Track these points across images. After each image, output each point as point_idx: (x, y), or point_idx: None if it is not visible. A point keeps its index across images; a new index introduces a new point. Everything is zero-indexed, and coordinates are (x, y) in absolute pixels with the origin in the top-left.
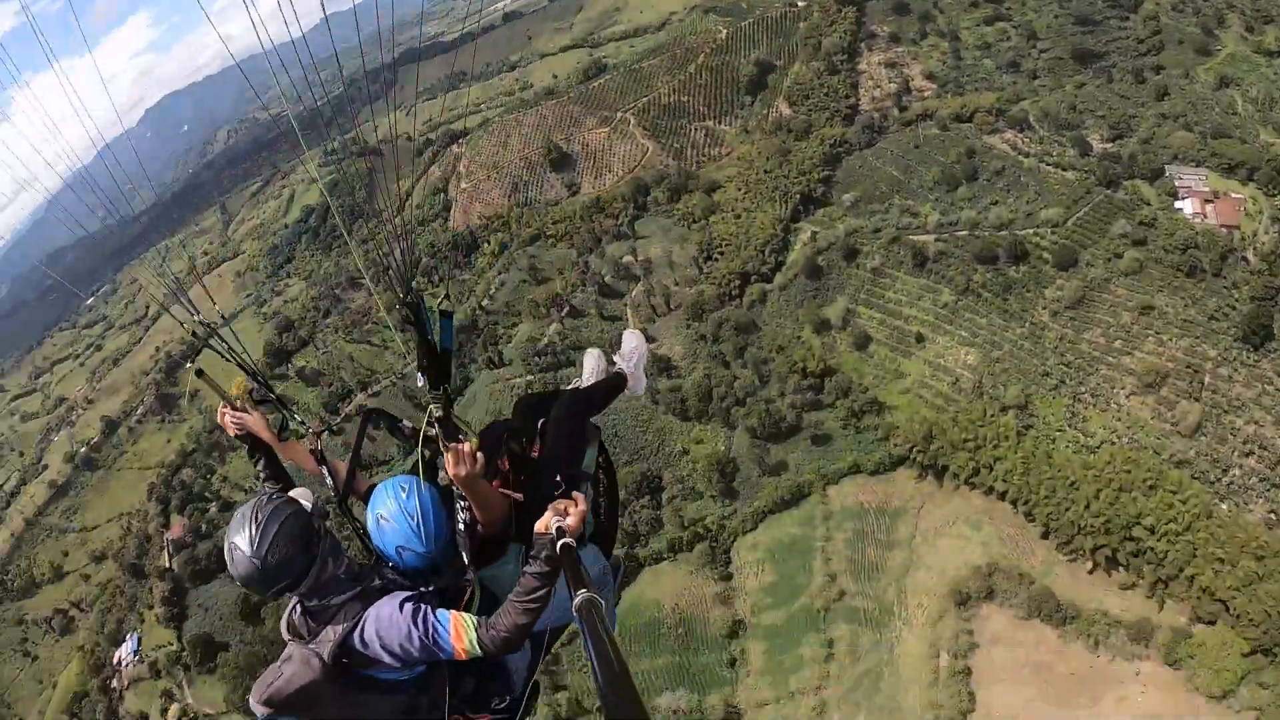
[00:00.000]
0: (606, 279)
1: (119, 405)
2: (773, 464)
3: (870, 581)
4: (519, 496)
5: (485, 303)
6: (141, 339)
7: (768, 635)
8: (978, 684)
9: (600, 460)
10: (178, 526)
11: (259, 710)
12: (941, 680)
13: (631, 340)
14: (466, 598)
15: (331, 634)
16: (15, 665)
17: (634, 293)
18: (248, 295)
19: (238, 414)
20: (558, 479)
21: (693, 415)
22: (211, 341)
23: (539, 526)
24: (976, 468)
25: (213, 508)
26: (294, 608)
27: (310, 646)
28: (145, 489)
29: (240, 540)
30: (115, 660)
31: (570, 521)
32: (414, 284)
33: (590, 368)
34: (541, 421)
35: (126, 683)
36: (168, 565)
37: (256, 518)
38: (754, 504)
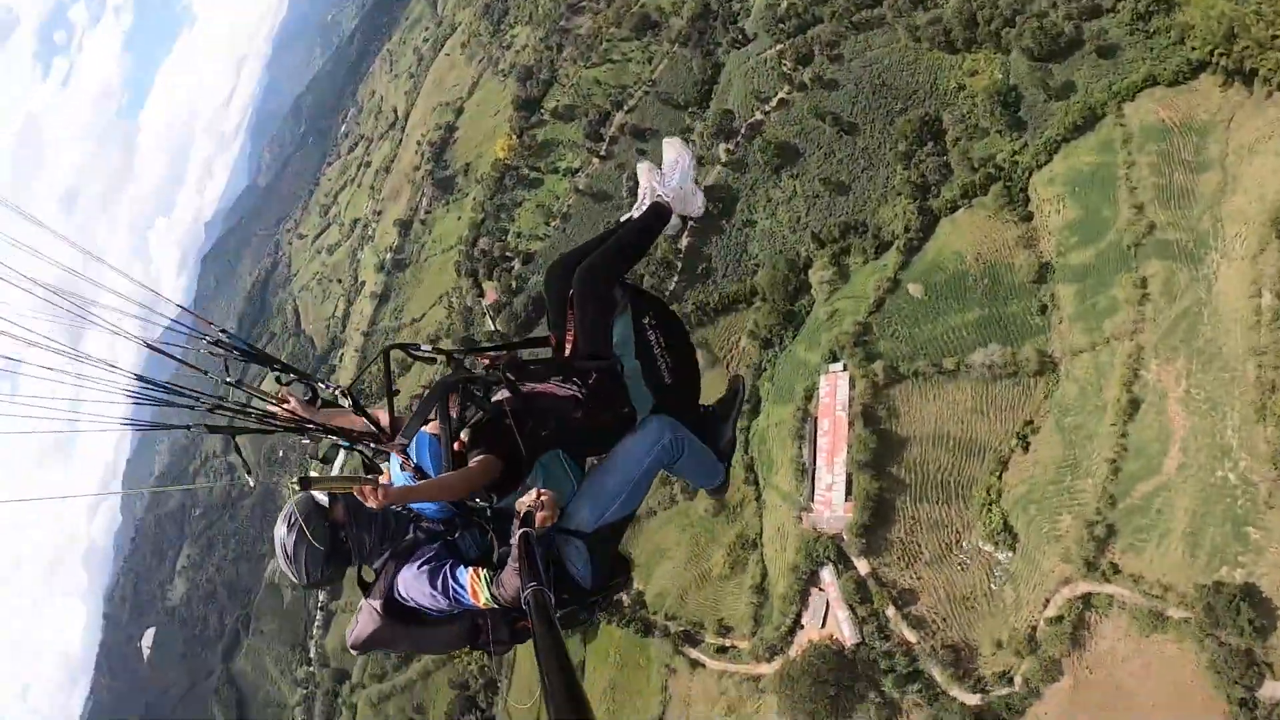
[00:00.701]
0: None
1: (405, 206)
2: (1058, 86)
3: (1181, 210)
4: (507, 395)
5: None
6: (401, 140)
7: (1077, 277)
8: None
9: (648, 321)
10: (491, 292)
11: (351, 651)
12: (1264, 323)
13: (671, 151)
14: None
15: (378, 590)
16: None
17: None
18: (479, 61)
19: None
20: (589, 367)
21: (960, 45)
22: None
23: (518, 505)
24: None
25: (516, 264)
26: (359, 569)
27: (369, 600)
28: (453, 268)
29: (281, 563)
30: None
31: (541, 514)
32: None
33: (646, 186)
34: (571, 294)
35: None
36: (494, 327)
37: (286, 551)
38: (1045, 134)
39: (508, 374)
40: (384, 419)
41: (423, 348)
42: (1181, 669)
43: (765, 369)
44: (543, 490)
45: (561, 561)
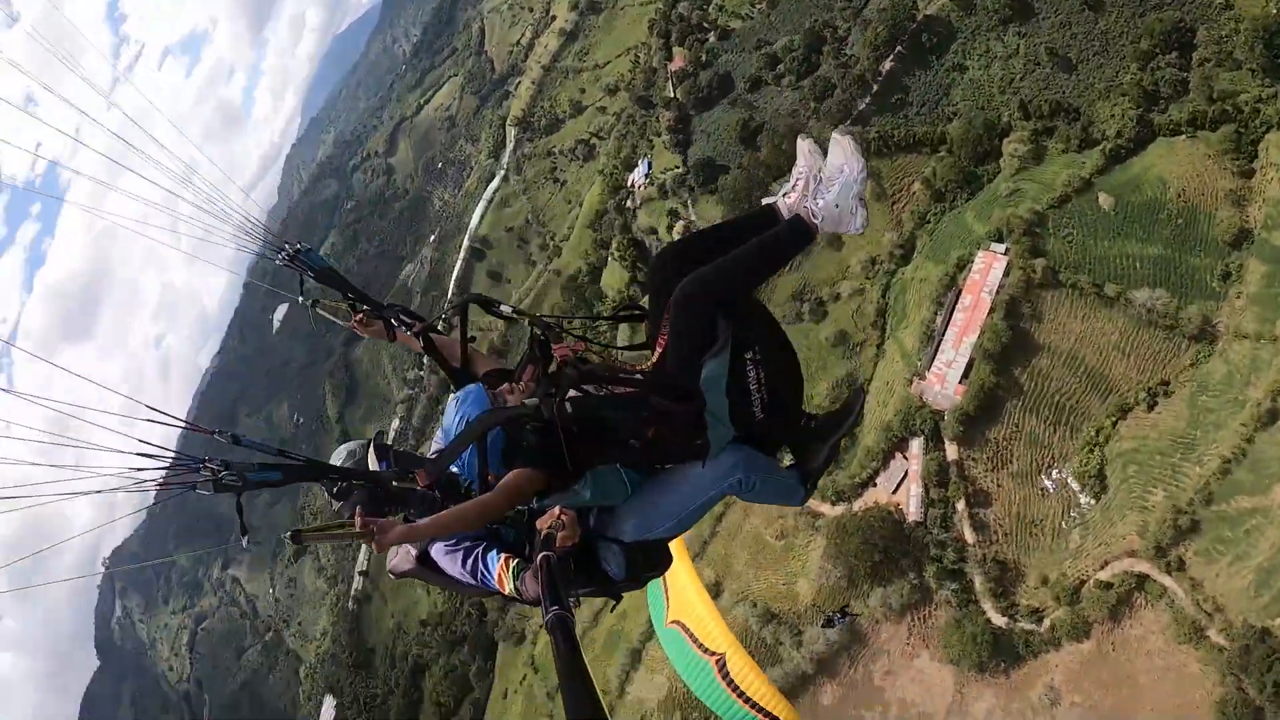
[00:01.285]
0: None
1: None
2: None
3: None
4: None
5: None
6: None
7: (1273, 258)
8: None
9: (751, 356)
10: (679, 58)
11: (391, 575)
12: None
13: (839, 154)
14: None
15: (415, 545)
16: (548, 190)
17: None
18: None
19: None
20: (666, 408)
21: None
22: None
23: (538, 525)
24: None
25: (711, 37)
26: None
27: (407, 545)
28: (646, 25)
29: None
30: (629, 183)
31: (561, 534)
32: None
33: (802, 172)
34: (671, 299)
35: (639, 202)
36: (673, 95)
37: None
38: None
39: (563, 395)
40: (455, 351)
41: (503, 308)
42: (1193, 691)
43: (929, 221)
44: (564, 510)
45: (595, 556)
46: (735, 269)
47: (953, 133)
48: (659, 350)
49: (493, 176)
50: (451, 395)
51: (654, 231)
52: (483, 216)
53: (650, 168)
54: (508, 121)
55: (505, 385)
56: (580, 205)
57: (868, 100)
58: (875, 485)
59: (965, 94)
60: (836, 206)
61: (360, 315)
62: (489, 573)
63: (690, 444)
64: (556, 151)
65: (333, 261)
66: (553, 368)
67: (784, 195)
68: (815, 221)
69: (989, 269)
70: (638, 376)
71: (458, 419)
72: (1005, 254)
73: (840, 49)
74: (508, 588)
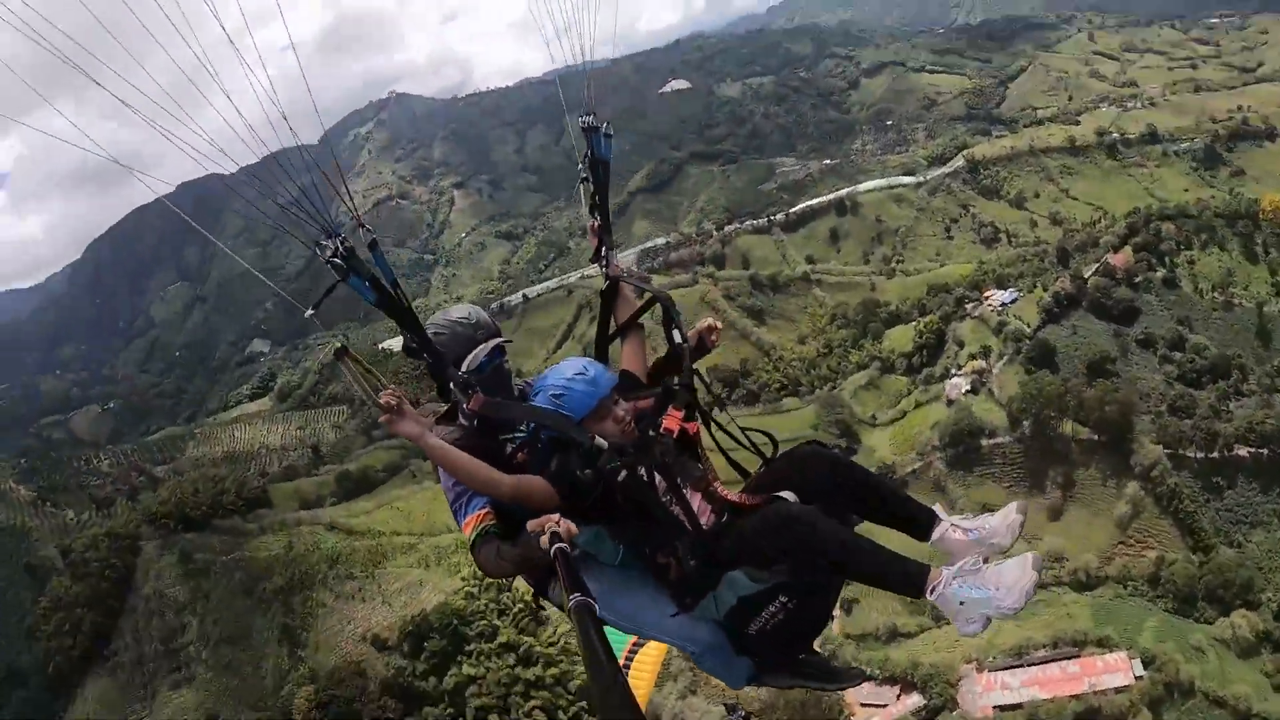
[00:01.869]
0: None
1: None
2: None
3: None
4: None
5: None
6: None
7: None
8: None
9: (783, 600)
10: (1123, 257)
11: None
12: None
13: (1014, 574)
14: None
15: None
16: (932, 229)
17: None
18: None
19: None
20: (688, 578)
21: None
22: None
23: (542, 524)
24: None
25: (1161, 269)
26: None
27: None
28: (1129, 198)
29: (443, 317)
30: (987, 294)
31: (562, 528)
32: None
33: (988, 528)
34: (776, 500)
35: (978, 312)
36: (1085, 276)
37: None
38: None
39: (629, 467)
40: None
41: (675, 333)
42: None
43: (1127, 587)
44: (562, 519)
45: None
46: (849, 554)
47: (1218, 558)
48: (738, 497)
49: (911, 174)
50: (584, 360)
51: (961, 344)
52: (872, 190)
53: (1012, 302)
54: (964, 150)
55: (623, 403)
56: (940, 265)
57: (1206, 395)
58: (860, 685)
59: (1261, 546)
60: (962, 604)
61: (593, 223)
62: (464, 512)
63: (681, 594)
64: (970, 211)
65: (611, 156)
66: (657, 425)
67: (952, 523)
68: (931, 596)
69: (1110, 670)
70: (695, 513)
71: (561, 386)
72: (1138, 679)
73: (1230, 395)
74: (470, 536)
